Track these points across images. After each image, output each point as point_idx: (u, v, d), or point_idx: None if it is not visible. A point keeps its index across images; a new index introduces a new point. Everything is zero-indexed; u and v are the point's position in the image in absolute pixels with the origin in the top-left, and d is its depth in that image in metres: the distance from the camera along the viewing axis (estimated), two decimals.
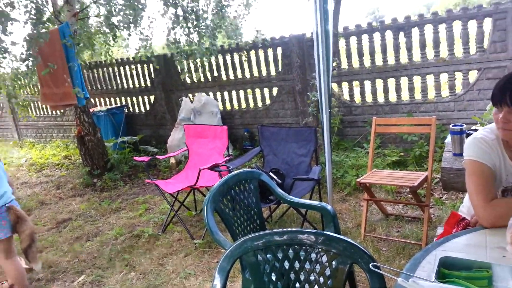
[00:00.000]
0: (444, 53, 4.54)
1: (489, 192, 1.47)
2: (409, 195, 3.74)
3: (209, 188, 3.70)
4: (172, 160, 5.77)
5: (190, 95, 6.34)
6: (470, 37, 4.36)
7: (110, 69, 7.11)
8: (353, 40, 5.00)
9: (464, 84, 4.46)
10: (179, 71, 6.00)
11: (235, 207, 2.06)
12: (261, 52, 5.69)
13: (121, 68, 7.02)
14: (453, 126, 2.54)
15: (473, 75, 4.44)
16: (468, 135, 2.35)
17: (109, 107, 6.98)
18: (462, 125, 2.52)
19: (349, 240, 1.31)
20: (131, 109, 7.17)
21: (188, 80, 6.43)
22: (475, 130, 2.28)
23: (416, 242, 2.96)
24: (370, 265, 1.19)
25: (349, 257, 1.29)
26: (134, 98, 7.08)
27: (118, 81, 7.12)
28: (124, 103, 7.17)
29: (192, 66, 6.24)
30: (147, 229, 3.80)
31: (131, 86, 7.03)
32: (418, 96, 4.79)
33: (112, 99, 7.35)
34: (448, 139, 2.70)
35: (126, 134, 6.68)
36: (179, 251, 3.38)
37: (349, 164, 4.45)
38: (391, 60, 4.86)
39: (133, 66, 6.88)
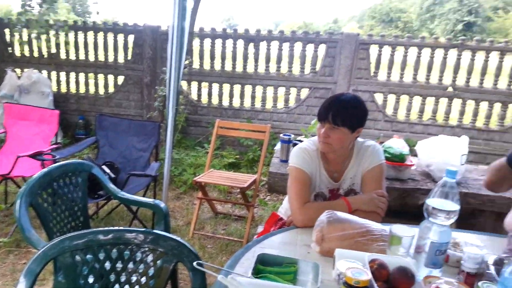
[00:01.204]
0: (284, 69, 5.02)
1: (304, 196, 1.67)
2: (239, 195, 3.98)
3: (26, 179, 3.25)
4: None
5: (18, 70, 5.48)
6: (307, 58, 4.92)
7: None
8: (207, 42, 5.09)
9: (297, 99, 5.01)
10: (6, 40, 5.14)
11: (56, 202, 1.85)
12: (110, 36, 5.30)
13: None
14: (283, 135, 2.80)
15: (304, 92, 5.02)
16: (295, 144, 2.62)
17: None
18: (290, 135, 2.81)
19: (177, 238, 1.31)
20: None
21: (18, 53, 5.55)
22: (300, 141, 2.56)
23: (239, 240, 3.17)
24: (194, 263, 1.20)
25: (175, 255, 1.29)
26: None
27: None
28: None
29: (25, 37, 5.42)
30: None
31: None
32: (258, 104, 5.17)
33: None
34: (278, 146, 2.97)
35: None
36: None
37: (188, 163, 4.50)
38: (239, 68, 5.12)
39: None
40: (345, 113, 1.64)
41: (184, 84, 5.24)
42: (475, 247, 1.31)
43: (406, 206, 2.52)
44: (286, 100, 5.07)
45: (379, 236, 1.39)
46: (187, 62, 4.90)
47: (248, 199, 3.48)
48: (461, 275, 1.26)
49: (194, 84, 5.30)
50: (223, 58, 5.09)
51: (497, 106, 4.66)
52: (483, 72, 4.58)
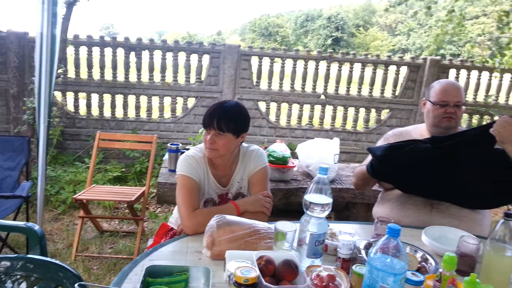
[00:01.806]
0: (169, 78, 4.96)
1: (193, 203, 1.67)
2: (127, 210, 3.80)
3: None
4: None
5: None
6: (191, 68, 4.94)
7: None
8: (83, 50, 4.77)
9: (184, 108, 4.99)
10: None
11: None
12: None
13: None
14: (170, 144, 2.77)
15: (191, 102, 5.03)
16: (182, 153, 2.61)
17: None
18: (178, 144, 2.79)
19: (54, 261, 1.21)
20: None
21: None
22: (188, 149, 2.56)
23: (128, 257, 3.02)
24: (76, 285, 1.12)
25: (53, 280, 1.18)
26: None
27: None
28: None
29: None
30: None
31: None
32: (143, 114, 5.01)
33: None
34: (166, 156, 2.93)
35: None
36: None
37: (66, 180, 4.14)
38: (120, 77, 4.91)
39: None
40: (229, 119, 1.70)
41: (58, 94, 4.82)
42: (348, 235, 1.46)
43: (291, 205, 2.69)
44: (173, 110, 5.01)
45: (266, 234, 1.47)
46: (60, 71, 4.52)
47: (137, 213, 3.34)
48: (338, 261, 1.39)
49: (70, 95, 4.92)
50: (102, 67, 4.82)
51: (362, 111, 5.28)
52: (349, 81, 5.16)
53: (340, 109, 5.28)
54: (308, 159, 2.96)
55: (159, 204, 3.93)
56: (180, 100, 5.02)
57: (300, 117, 5.22)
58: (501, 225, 1.30)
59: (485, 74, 5.19)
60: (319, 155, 2.92)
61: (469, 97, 5.31)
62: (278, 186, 2.76)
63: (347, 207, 2.95)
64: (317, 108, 5.23)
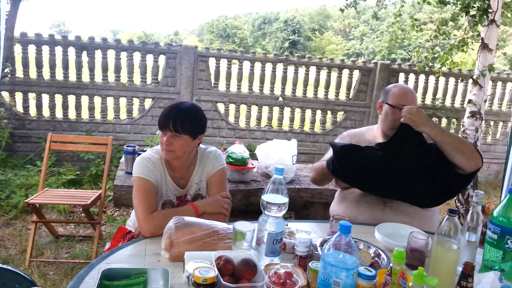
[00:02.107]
0: (124, 79, 4.84)
1: (151, 205, 1.66)
2: (83, 214, 3.68)
3: None
4: None
5: None
6: (147, 68, 4.86)
7: None
8: (31, 48, 4.57)
9: (140, 109, 4.90)
10: None
11: None
12: None
13: None
14: (126, 146, 2.73)
15: (148, 103, 4.95)
16: (139, 155, 2.57)
17: None
18: (135, 146, 2.75)
19: (7, 267, 1.17)
20: None
21: None
22: (145, 151, 2.53)
23: (86, 261, 2.93)
24: None
25: (7, 286, 1.14)
26: None
27: None
28: None
29: None
30: None
31: None
32: (98, 116, 4.86)
33: None
34: (123, 158, 2.87)
35: None
36: None
37: (17, 184, 3.95)
38: (72, 77, 4.74)
39: None
40: (185, 121, 1.70)
41: (5, 95, 4.58)
42: (305, 233, 1.51)
43: (251, 205, 2.73)
44: (129, 111, 4.90)
45: (225, 234, 1.49)
46: (7, 70, 4.31)
47: (94, 216, 3.24)
48: (296, 259, 1.43)
49: (19, 95, 4.69)
50: (52, 67, 4.63)
51: (319, 113, 5.42)
52: (305, 84, 5.28)
53: (298, 111, 5.38)
54: (267, 160, 3.02)
55: (117, 207, 3.84)
56: (136, 101, 4.92)
57: (259, 119, 5.27)
58: (446, 221, 1.38)
59: (432, 78, 5.48)
60: (277, 156, 2.98)
61: (418, 100, 5.59)
62: (238, 187, 2.79)
63: (306, 206, 3.03)
64: (276, 109, 5.31)
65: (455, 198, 4.07)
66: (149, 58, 4.83)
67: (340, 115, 5.57)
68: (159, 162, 1.78)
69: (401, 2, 4.93)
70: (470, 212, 1.45)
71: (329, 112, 5.43)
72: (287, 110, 5.35)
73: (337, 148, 1.98)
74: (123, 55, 4.79)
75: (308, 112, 5.39)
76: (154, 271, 1.25)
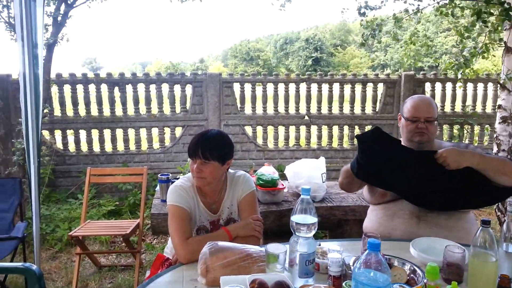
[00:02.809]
0: (154, 110, 5.04)
1: (185, 231, 1.72)
2: (123, 244, 3.81)
3: None
4: None
5: None
6: (176, 98, 5.04)
7: None
8: (67, 88, 4.85)
9: (172, 138, 5.06)
10: None
11: None
12: None
13: None
14: (161, 175, 2.82)
15: (178, 131, 5.11)
16: (173, 183, 2.67)
17: None
18: (169, 174, 2.85)
19: None
20: None
21: None
22: (178, 179, 2.62)
23: None
24: None
25: None
26: None
27: None
28: None
29: None
30: None
31: None
32: (132, 147, 5.06)
33: None
34: (158, 187, 2.97)
35: None
36: None
37: (61, 217, 4.14)
38: (106, 112, 4.98)
39: None
40: (213, 148, 1.78)
41: (46, 133, 4.86)
42: (337, 252, 1.52)
43: (284, 226, 2.72)
44: (162, 140, 5.08)
45: (258, 257, 1.52)
46: (46, 110, 4.58)
47: (134, 245, 3.35)
48: (330, 279, 1.45)
49: (58, 133, 4.96)
50: (87, 104, 4.89)
51: (346, 128, 5.41)
52: (330, 101, 5.30)
53: (325, 128, 5.39)
54: (297, 180, 3.03)
55: (155, 235, 3.94)
56: (167, 130, 5.10)
57: (287, 139, 5.32)
58: (480, 232, 1.36)
59: (459, 85, 5.37)
60: (307, 175, 2.99)
61: (447, 108, 5.49)
62: (269, 208, 2.81)
63: (340, 224, 3.00)
64: (303, 128, 5.34)
65: (495, 207, 3.92)
66: (177, 88, 5.02)
67: (368, 129, 5.53)
68: (191, 189, 1.85)
69: (417, 19, 4.94)
70: (505, 222, 1.43)
71: (356, 127, 5.41)
72: (314, 128, 5.37)
73: (366, 133, 1.97)
74: (152, 87, 5.00)
75: (335, 129, 5.39)
76: None
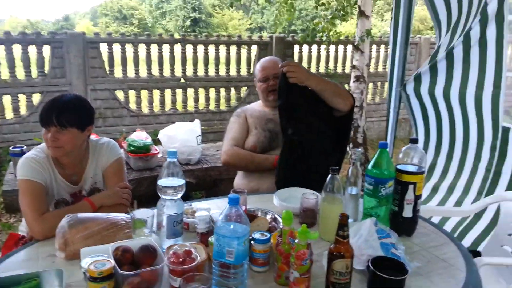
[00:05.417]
0: (5, 74, 4.39)
1: (40, 207, 1.57)
2: None
3: None
4: None
5: None
6: (31, 61, 4.45)
7: None
8: None
9: (28, 106, 4.50)
10: None
11: None
12: None
13: None
14: (13, 148, 2.51)
15: (36, 98, 4.56)
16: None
17: None
18: (23, 147, 2.54)
19: None
20: None
21: None
22: None
23: None
24: None
25: None
26: None
27: None
28: None
29: None
30: None
31: None
32: None
33: None
34: (12, 161, 2.64)
35: None
36: None
37: None
38: None
39: None
40: (70, 113, 1.62)
41: None
42: (204, 210, 1.55)
43: None
44: (16, 109, 4.47)
45: (124, 224, 1.47)
46: None
47: None
48: (198, 236, 1.48)
49: None
50: None
51: (223, 91, 5.47)
52: (206, 63, 5.27)
53: (202, 91, 5.37)
54: (171, 144, 3.00)
55: (10, 213, 3.54)
56: (22, 98, 4.50)
57: (162, 103, 5.17)
58: (329, 179, 1.53)
59: (324, 47, 5.81)
60: (181, 138, 2.98)
61: (313, 69, 5.92)
62: (143, 174, 2.75)
63: (215, 183, 3.09)
64: (179, 92, 5.24)
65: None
66: (32, 49, 4.42)
67: (243, 91, 5.68)
68: (46, 160, 1.68)
69: None
70: (350, 168, 1.62)
71: (232, 89, 5.50)
72: (190, 91, 5.31)
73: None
74: (1, 48, 4.32)
75: (212, 91, 5.41)
76: (47, 273, 1.20)
